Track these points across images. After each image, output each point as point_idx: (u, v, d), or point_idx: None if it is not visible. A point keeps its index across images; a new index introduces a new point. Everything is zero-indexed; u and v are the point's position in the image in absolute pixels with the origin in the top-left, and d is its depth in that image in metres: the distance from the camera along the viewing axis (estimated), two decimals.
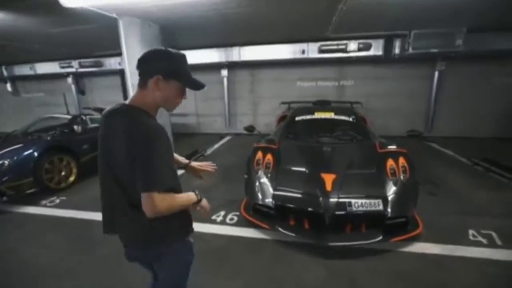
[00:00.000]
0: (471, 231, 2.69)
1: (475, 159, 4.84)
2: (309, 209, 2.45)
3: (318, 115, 4.01)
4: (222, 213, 3.21)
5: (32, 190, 3.74)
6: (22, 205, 3.62)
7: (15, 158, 3.68)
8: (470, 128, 6.78)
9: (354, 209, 2.36)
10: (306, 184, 2.66)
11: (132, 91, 3.42)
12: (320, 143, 3.36)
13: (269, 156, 3.08)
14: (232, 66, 7.44)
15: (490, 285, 2.04)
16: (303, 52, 6.08)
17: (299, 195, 2.58)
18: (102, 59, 7.37)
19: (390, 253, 2.41)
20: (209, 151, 6.18)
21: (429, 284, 2.05)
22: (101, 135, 1.04)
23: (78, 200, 3.76)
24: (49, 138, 4.21)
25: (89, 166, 4.63)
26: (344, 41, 5.56)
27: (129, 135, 0.93)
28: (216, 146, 6.71)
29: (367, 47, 5.57)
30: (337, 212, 2.36)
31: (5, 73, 9.10)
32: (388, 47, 5.53)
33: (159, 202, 0.91)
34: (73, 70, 7.94)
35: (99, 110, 5.94)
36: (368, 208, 2.36)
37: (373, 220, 2.43)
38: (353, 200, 2.40)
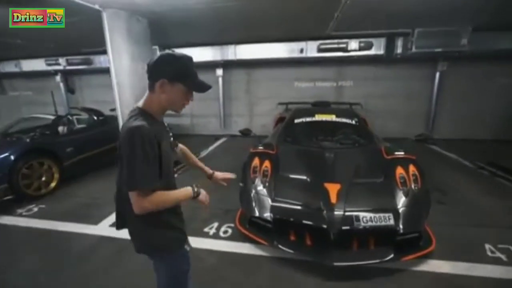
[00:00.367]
0: (487, 246, 2.46)
1: (480, 163, 4.67)
2: (312, 223, 2.20)
3: (318, 117, 3.76)
4: (215, 224, 2.94)
5: (8, 198, 3.42)
6: None
7: None
8: (471, 130, 6.63)
9: (362, 224, 2.11)
10: (308, 195, 2.40)
11: (117, 90, 3.14)
12: (322, 148, 3.11)
13: (266, 163, 2.82)
14: (227, 65, 7.17)
15: None
16: (301, 51, 5.84)
17: (300, 208, 2.33)
18: (91, 57, 7.00)
19: (401, 273, 2.17)
20: (203, 154, 5.90)
21: None
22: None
23: (59, 208, 3.44)
24: (28, 140, 3.88)
25: (74, 170, 4.34)
26: (345, 40, 5.32)
27: (120, 137, 0.98)
28: (211, 148, 6.43)
29: (368, 46, 5.35)
30: (343, 227, 2.11)
31: None
32: (389, 46, 5.32)
33: (143, 200, 0.95)
34: (60, 67, 7.55)
35: (88, 110, 5.62)
36: (378, 223, 2.12)
37: (382, 236, 2.19)
38: (361, 214, 2.15)
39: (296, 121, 3.85)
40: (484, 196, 3.52)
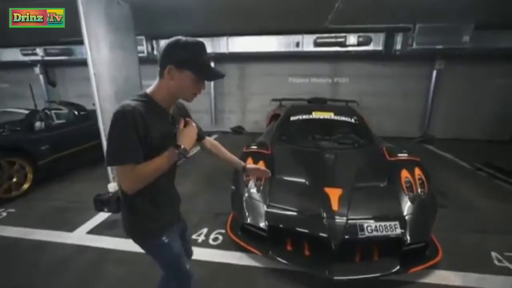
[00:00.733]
0: (494, 254, 2.33)
1: (477, 164, 4.59)
2: (311, 233, 1.99)
3: (316, 115, 3.54)
4: (205, 230, 2.70)
5: None
6: None
7: None
8: (464, 130, 6.60)
9: (366, 233, 1.91)
10: (307, 201, 2.19)
11: (95, 82, 2.83)
12: (320, 148, 2.90)
13: (261, 164, 2.58)
14: (219, 58, 6.87)
15: None
16: (297, 44, 5.59)
17: (298, 215, 2.11)
18: (72, 47, 6.53)
19: (407, 286, 1.99)
20: (192, 152, 5.62)
21: None
22: None
23: (31, 213, 3.11)
24: None
25: (50, 170, 3.97)
26: (343, 34, 5.10)
27: None
28: None
29: (367, 42, 5.15)
30: (346, 237, 1.91)
31: None
32: (389, 42, 5.15)
33: (126, 175, 0.94)
34: (38, 58, 7.03)
35: (68, 104, 5.22)
36: (383, 233, 1.92)
37: (387, 246, 2.00)
38: (365, 223, 1.95)
39: (292, 118, 3.63)
40: (484, 199, 3.42)
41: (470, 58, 5.93)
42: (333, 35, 5.14)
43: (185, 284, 1.33)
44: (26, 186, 3.60)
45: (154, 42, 6.20)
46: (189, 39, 0.98)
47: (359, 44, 5.10)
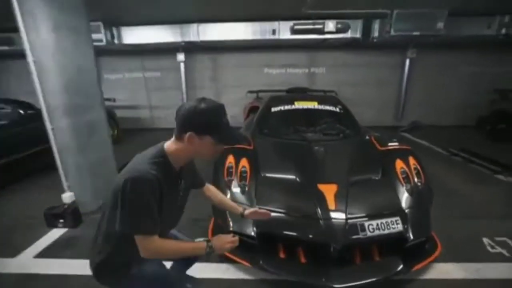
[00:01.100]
0: (486, 240, 2.30)
1: (453, 150, 4.73)
2: (308, 238, 1.75)
3: (298, 104, 3.31)
4: None
5: None
6: None
7: None
8: (439, 116, 6.85)
9: (368, 233, 1.71)
10: (300, 201, 1.94)
11: (35, 72, 2.29)
12: (307, 140, 2.66)
13: (244, 162, 2.29)
14: (190, 49, 6.35)
15: None
16: (273, 32, 5.29)
17: (291, 218, 1.86)
18: (13, 35, 5.56)
19: (410, 284, 1.85)
20: None
21: None
22: None
23: None
24: None
25: None
26: (321, 20, 4.90)
27: (121, 177, 0.94)
28: None
29: (345, 28, 5.01)
30: (347, 240, 1.69)
31: None
32: (366, 29, 5.06)
33: (148, 243, 0.95)
34: None
35: (11, 102, 4.46)
36: (386, 231, 1.74)
37: (389, 244, 1.83)
38: (366, 221, 1.75)
39: (273, 109, 3.35)
40: (464, 184, 3.47)
41: (441, 47, 6.08)
42: (311, 21, 4.92)
43: None
44: None
45: (114, 29, 5.49)
46: (209, 104, 0.97)
47: (337, 31, 4.94)
